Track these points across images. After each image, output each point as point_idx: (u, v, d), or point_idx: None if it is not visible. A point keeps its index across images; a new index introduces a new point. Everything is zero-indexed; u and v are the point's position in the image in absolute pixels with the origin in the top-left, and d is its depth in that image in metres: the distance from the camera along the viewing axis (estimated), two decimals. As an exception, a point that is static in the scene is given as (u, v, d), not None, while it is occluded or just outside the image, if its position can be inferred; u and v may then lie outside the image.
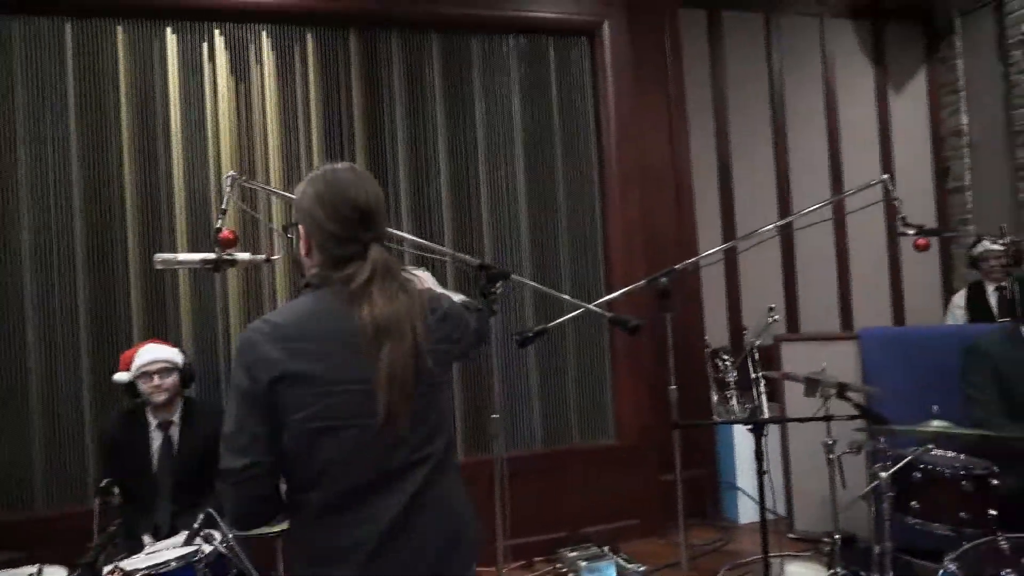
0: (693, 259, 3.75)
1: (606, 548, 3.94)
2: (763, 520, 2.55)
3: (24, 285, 3.53)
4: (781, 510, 4.06)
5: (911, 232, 3.34)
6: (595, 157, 4.37)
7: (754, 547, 3.90)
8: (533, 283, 2.85)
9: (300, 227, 1.48)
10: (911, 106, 5.42)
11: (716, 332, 4.74)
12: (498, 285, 2.59)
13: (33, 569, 2.33)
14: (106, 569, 2.02)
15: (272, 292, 3.83)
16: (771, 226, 3.85)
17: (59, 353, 3.56)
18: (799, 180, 5.08)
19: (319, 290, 1.44)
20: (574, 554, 3.88)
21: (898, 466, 2.51)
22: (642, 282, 3.08)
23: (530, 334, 3.15)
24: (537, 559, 4.01)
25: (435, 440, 1.45)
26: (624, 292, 3.20)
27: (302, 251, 1.49)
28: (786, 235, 4.91)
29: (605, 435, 4.31)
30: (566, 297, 3.11)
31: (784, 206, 5.01)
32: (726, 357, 4.34)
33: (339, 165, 1.51)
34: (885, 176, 3.56)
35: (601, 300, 3.23)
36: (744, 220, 4.86)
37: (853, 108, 5.25)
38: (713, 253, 3.87)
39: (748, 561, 3.69)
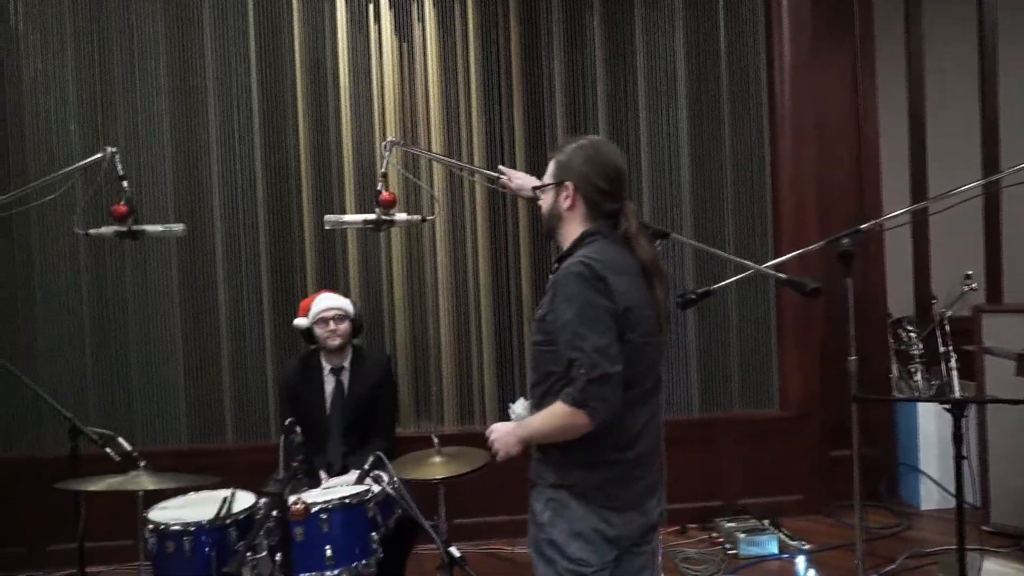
0: (879, 219, 3.39)
1: (766, 522, 3.76)
2: (960, 510, 2.29)
3: (216, 245, 3.85)
4: (973, 499, 3.65)
5: None
6: (765, 108, 4.06)
7: (938, 536, 3.58)
8: (697, 243, 2.69)
9: (569, 184, 1.78)
10: None
11: (899, 300, 4.30)
12: (657, 243, 2.47)
13: (227, 492, 2.56)
14: (291, 499, 2.17)
15: (433, 249, 3.93)
16: (974, 184, 3.37)
17: (244, 305, 3.87)
18: (1012, 133, 4.43)
19: (602, 238, 1.75)
20: (731, 524, 3.74)
21: None
22: (820, 243, 2.81)
23: (693, 296, 2.98)
24: (691, 526, 3.90)
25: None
26: (798, 254, 2.94)
27: (564, 205, 1.79)
28: (991, 195, 4.33)
29: (768, 404, 4.08)
30: (736, 258, 2.92)
31: (990, 162, 4.40)
32: (910, 328, 3.95)
33: (593, 136, 1.88)
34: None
35: (772, 262, 3.00)
36: (937, 178, 4.33)
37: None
38: (902, 214, 3.47)
39: (933, 551, 3.37)
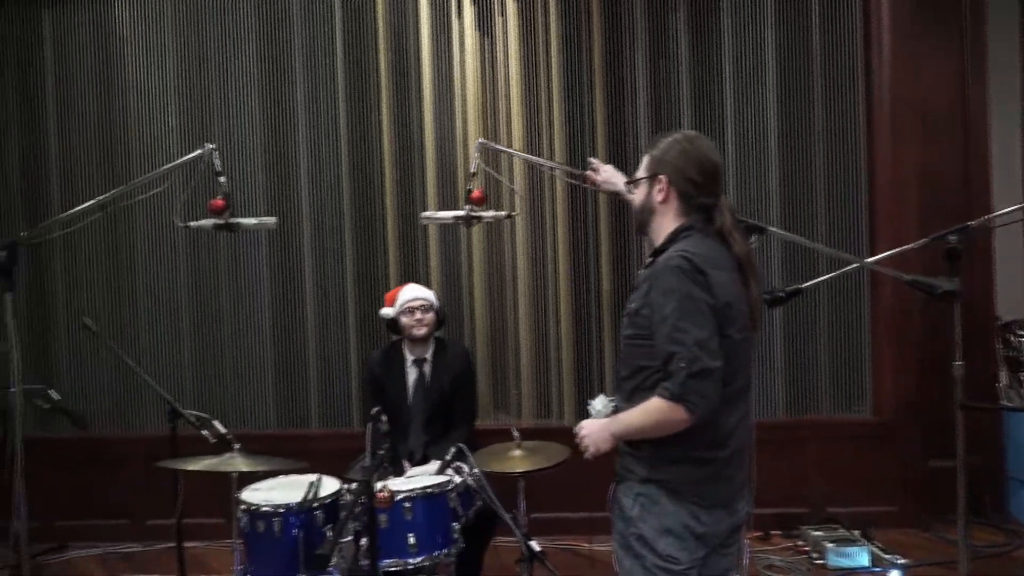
0: (990, 215, 3.17)
1: (856, 532, 3.59)
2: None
3: (303, 238, 3.98)
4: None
5: None
6: (862, 99, 3.86)
7: (1052, 557, 3.33)
8: (800, 238, 2.58)
9: (663, 177, 1.76)
10: None
11: (1008, 303, 4.01)
12: (752, 239, 2.40)
13: (314, 477, 2.65)
14: (377, 486, 2.21)
15: (513, 244, 3.94)
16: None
17: (330, 297, 3.99)
18: None
19: (697, 232, 1.73)
20: (818, 533, 3.58)
21: None
22: (924, 240, 2.65)
23: (782, 294, 2.87)
24: (774, 532, 3.77)
25: None
26: (899, 251, 2.78)
27: (658, 199, 1.78)
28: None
29: (859, 409, 3.89)
30: (845, 254, 2.79)
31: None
32: (1021, 332, 3.68)
33: (688, 131, 1.87)
34: None
35: (873, 258, 2.85)
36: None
37: None
38: (1015, 211, 3.23)
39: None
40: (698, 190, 1.75)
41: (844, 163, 3.87)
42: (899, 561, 3.35)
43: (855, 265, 2.73)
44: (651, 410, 1.65)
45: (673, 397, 1.61)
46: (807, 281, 2.88)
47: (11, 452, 2.48)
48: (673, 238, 1.75)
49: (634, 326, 1.74)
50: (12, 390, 2.52)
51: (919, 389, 3.76)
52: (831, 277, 2.86)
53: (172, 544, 2.87)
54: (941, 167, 3.85)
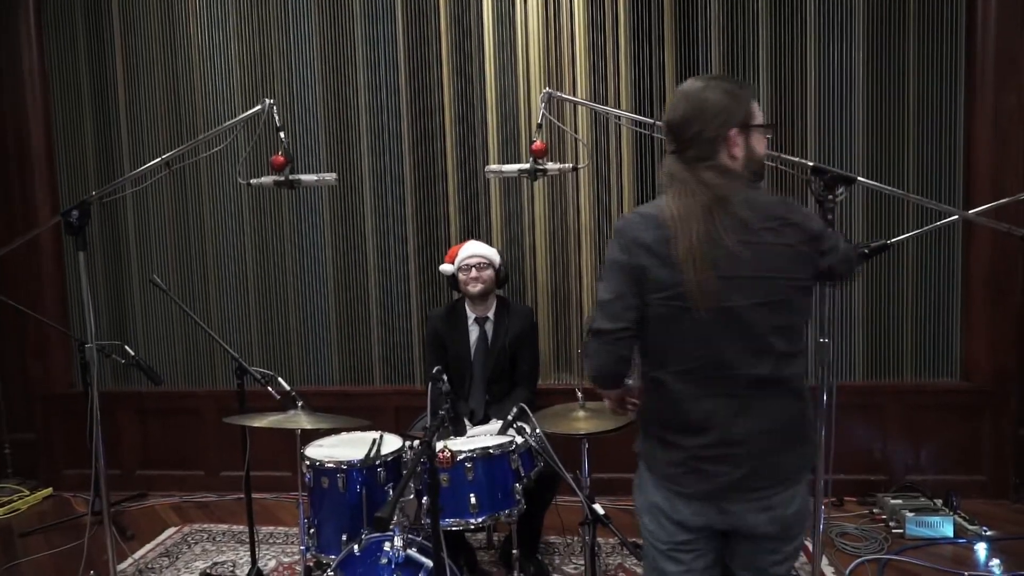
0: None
1: (939, 501, 3.41)
2: None
3: (364, 195, 3.96)
4: None
5: None
6: (963, 40, 3.51)
7: None
8: (891, 188, 2.36)
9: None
10: None
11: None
12: (839, 191, 2.21)
13: (376, 435, 2.65)
14: (439, 446, 2.19)
15: (576, 200, 3.81)
16: None
17: (391, 254, 3.97)
18: None
19: (663, 189, 1.63)
20: (897, 501, 3.42)
21: None
22: (1031, 190, 2.42)
23: (865, 250, 2.67)
24: (848, 499, 3.63)
25: None
26: (1003, 203, 2.54)
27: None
28: None
29: (948, 374, 3.66)
30: (946, 206, 2.56)
31: None
32: None
33: (697, 78, 1.66)
34: None
35: (975, 210, 2.61)
36: None
37: None
38: None
39: None
40: (670, 144, 1.65)
41: (940, 112, 3.56)
42: (986, 532, 3.18)
43: (953, 217, 2.51)
44: None
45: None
46: (893, 238, 2.69)
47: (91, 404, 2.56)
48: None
49: None
50: (89, 346, 2.59)
51: (1014, 354, 3.51)
52: (923, 231, 2.65)
53: (241, 495, 2.94)
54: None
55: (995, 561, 2.95)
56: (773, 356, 1.54)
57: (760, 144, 1.64)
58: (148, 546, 3.48)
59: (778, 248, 1.53)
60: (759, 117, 1.64)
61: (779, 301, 1.53)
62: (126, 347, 3.32)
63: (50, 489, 4.22)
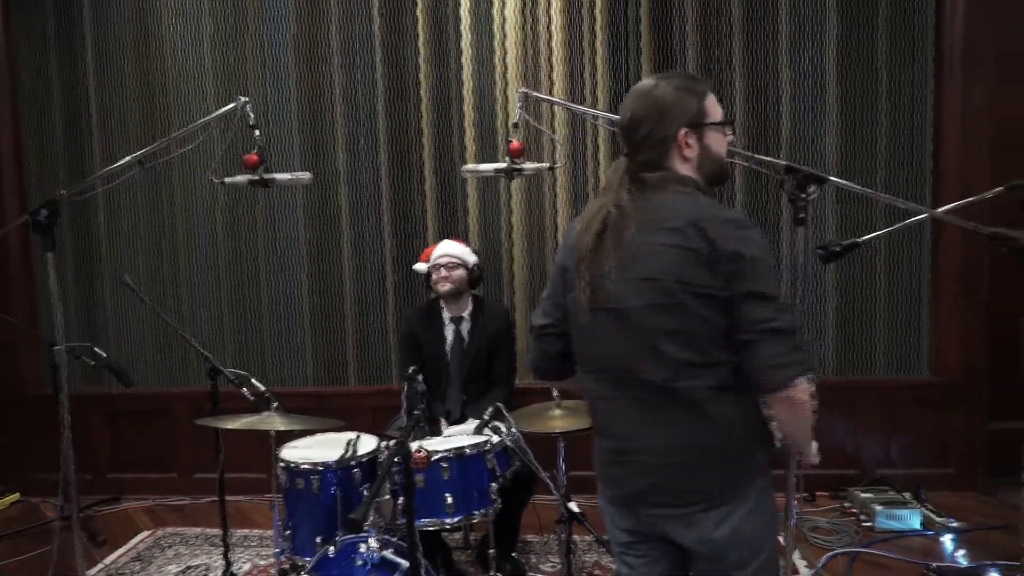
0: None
1: (907, 495, 3.48)
2: None
3: (339, 193, 3.93)
4: None
5: None
6: (931, 36, 3.58)
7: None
8: (860, 187, 2.39)
9: None
10: None
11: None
12: (811, 190, 2.24)
13: (352, 436, 2.64)
14: (414, 446, 2.19)
15: (553, 199, 3.82)
16: None
17: (367, 253, 3.95)
18: None
19: None
20: (867, 495, 3.48)
21: None
22: (1000, 188, 2.46)
23: (837, 248, 2.71)
24: (821, 494, 3.68)
25: None
26: (970, 201, 2.59)
27: None
28: None
29: (916, 370, 3.73)
30: (915, 205, 2.60)
31: None
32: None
33: (652, 76, 1.62)
34: None
35: (944, 208, 2.66)
36: None
37: None
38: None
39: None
40: (623, 147, 1.59)
41: (909, 107, 3.63)
42: (953, 524, 3.24)
43: (922, 216, 2.55)
44: None
45: None
46: (864, 235, 2.73)
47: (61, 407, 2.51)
48: None
49: None
50: (58, 347, 2.54)
51: (983, 350, 3.58)
52: (893, 230, 2.69)
53: (215, 498, 2.91)
54: (1019, 112, 3.58)
55: (961, 552, 3.02)
56: (670, 363, 1.44)
57: (718, 143, 1.55)
58: (119, 551, 3.43)
59: (673, 251, 1.43)
60: (716, 114, 1.54)
61: (672, 305, 1.43)
62: (96, 348, 3.26)
63: (17, 494, 4.14)
